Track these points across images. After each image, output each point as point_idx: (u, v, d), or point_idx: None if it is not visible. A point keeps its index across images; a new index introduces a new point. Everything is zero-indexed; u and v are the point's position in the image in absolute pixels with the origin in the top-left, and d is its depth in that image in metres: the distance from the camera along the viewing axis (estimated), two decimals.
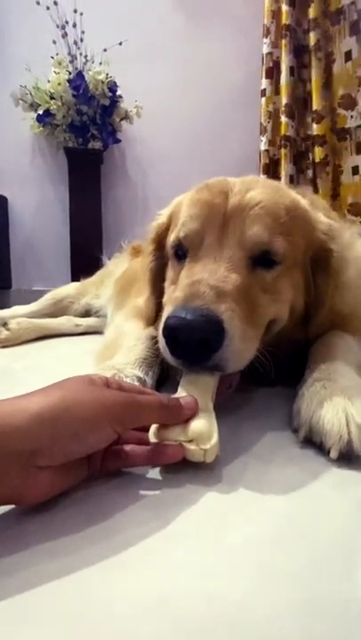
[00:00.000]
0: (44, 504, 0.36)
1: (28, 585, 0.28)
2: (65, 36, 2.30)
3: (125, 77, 2.35)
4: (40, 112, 2.29)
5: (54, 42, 2.29)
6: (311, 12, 2.12)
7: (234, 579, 0.29)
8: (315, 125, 2.17)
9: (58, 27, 2.29)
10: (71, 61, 2.31)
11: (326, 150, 2.19)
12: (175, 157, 2.60)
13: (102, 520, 0.35)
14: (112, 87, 2.29)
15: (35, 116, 2.33)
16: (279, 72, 2.26)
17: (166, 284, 0.66)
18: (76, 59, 2.32)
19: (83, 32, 2.30)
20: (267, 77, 2.33)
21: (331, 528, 0.35)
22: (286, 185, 0.73)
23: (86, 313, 1.41)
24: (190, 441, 0.41)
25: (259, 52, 2.39)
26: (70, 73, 2.28)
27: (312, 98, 2.18)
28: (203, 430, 0.42)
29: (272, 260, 0.57)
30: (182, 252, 0.60)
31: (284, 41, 2.21)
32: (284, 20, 2.19)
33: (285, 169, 2.22)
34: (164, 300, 0.66)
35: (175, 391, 0.48)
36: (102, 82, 2.24)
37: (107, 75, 2.26)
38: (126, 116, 2.40)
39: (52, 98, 2.25)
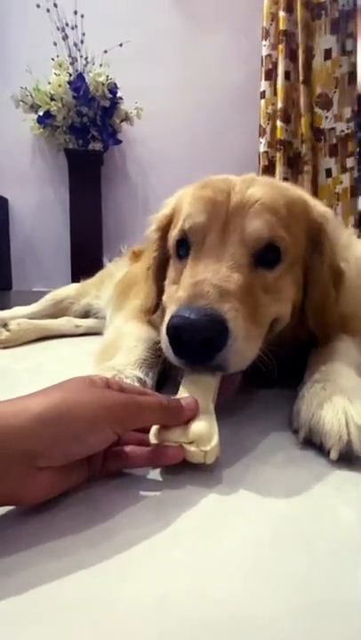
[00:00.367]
0: (44, 504, 0.36)
1: (28, 585, 0.28)
2: (65, 37, 2.31)
3: (126, 79, 2.35)
4: (40, 113, 2.30)
5: (55, 44, 2.29)
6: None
7: (234, 580, 0.29)
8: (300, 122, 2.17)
9: (58, 29, 2.30)
10: (72, 63, 2.32)
11: (307, 149, 2.19)
12: (175, 158, 2.61)
13: (103, 521, 0.35)
14: (112, 89, 2.30)
15: (35, 117, 2.33)
16: (277, 74, 2.27)
17: (167, 282, 0.66)
18: (76, 60, 2.33)
19: (83, 34, 2.31)
20: (266, 79, 2.34)
21: (331, 529, 0.35)
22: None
23: (86, 314, 1.41)
24: (191, 442, 0.41)
25: (258, 53, 2.40)
26: (71, 75, 2.28)
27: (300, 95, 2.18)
28: (203, 432, 0.42)
29: (274, 257, 0.57)
30: (184, 249, 0.60)
31: (280, 46, 2.22)
32: (281, 25, 2.20)
33: (280, 172, 2.23)
34: (165, 298, 0.66)
35: (176, 392, 0.48)
36: (103, 83, 2.25)
37: (107, 76, 2.27)
38: (126, 118, 2.41)
39: (52, 99, 2.26)
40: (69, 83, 2.25)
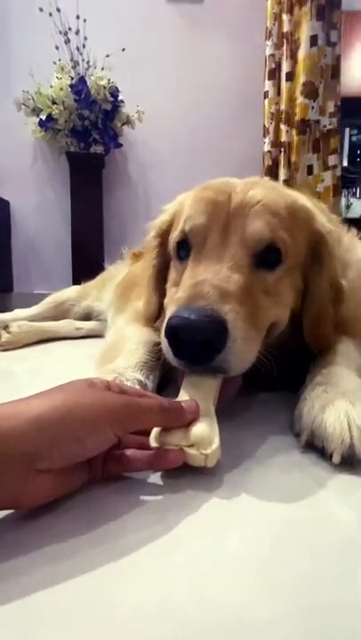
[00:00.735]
0: (45, 508, 0.35)
1: (28, 589, 0.28)
2: (68, 42, 2.33)
3: (127, 82, 2.37)
4: (42, 117, 2.31)
5: (57, 48, 2.31)
6: None
7: (235, 584, 0.29)
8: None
9: (61, 33, 2.31)
10: (73, 67, 2.34)
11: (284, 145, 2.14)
12: (177, 161, 2.62)
13: (103, 524, 0.35)
14: (114, 92, 2.31)
15: (37, 120, 2.35)
16: (281, 74, 2.26)
17: (168, 285, 0.66)
18: (78, 64, 2.35)
19: (85, 38, 2.33)
20: (269, 79, 2.33)
21: (332, 533, 0.35)
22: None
23: (87, 316, 1.41)
24: (191, 445, 0.41)
25: (259, 55, 2.42)
26: (72, 78, 2.30)
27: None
28: (204, 435, 0.41)
29: (274, 258, 0.57)
30: (185, 251, 0.60)
31: (283, 48, 2.22)
32: (285, 27, 2.20)
33: (283, 173, 2.21)
34: (166, 300, 0.66)
35: (177, 395, 0.48)
36: (104, 87, 2.26)
37: (108, 80, 2.28)
38: (128, 121, 2.42)
39: (54, 103, 2.28)
40: (71, 86, 2.26)
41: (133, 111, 2.40)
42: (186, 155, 2.64)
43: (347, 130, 2.70)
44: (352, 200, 2.74)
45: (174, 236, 0.63)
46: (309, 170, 2.13)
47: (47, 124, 2.32)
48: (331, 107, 2.11)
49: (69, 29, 2.32)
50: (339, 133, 2.15)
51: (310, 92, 2.09)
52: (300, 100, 2.10)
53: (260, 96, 2.42)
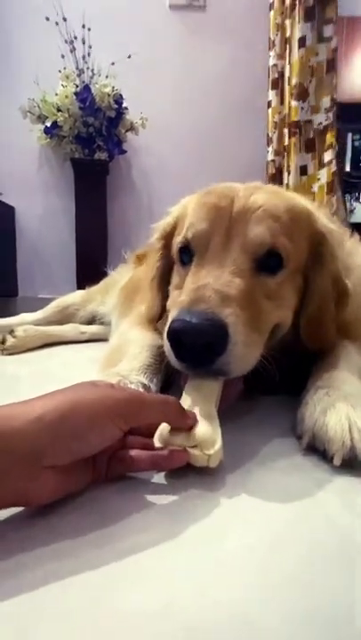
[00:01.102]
0: (49, 507, 0.36)
1: (33, 586, 0.28)
2: (73, 50, 2.36)
3: (131, 89, 2.40)
4: (47, 124, 2.34)
5: (62, 56, 2.35)
6: None
7: (236, 585, 0.29)
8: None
9: (66, 42, 2.35)
10: (78, 75, 2.37)
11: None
12: (180, 168, 2.64)
13: (107, 524, 0.35)
14: (118, 99, 2.34)
15: (42, 127, 2.38)
16: (284, 82, 2.27)
17: (171, 287, 0.67)
18: (83, 72, 2.38)
19: (90, 47, 2.36)
20: (273, 89, 2.34)
21: (332, 534, 0.35)
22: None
23: (92, 320, 1.42)
24: (195, 446, 0.42)
25: (262, 63, 2.44)
26: (77, 86, 2.33)
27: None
28: (207, 436, 0.42)
29: (276, 263, 0.57)
30: (188, 256, 0.61)
31: (285, 54, 2.24)
32: (287, 33, 2.22)
33: (286, 177, 2.21)
34: (169, 303, 0.67)
35: (180, 397, 0.48)
36: (108, 94, 2.29)
37: (113, 87, 2.31)
38: (132, 128, 2.45)
39: (59, 110, 2.31)
40: (76, 94, 2.29)
41: (137, 118, 2.43)
42: (189, 161, 2.66)
43: (349, 135, 2.71)
44: (355, 205, 2.74)
45: (177, 241, 0.64)
46: (303, 170, 2.08)
47: (52, 131, 2.35)
48: (327, 102, 2.05)
49: (75, 38, 2.35)
50: (335, 127, 2.07)
51: (300, 93, 2.06)
52: (292, 103, 2.09)
53: (263, 103, 2.44)
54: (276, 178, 2.31)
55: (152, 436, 0.44)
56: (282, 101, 2.31)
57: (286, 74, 2.23)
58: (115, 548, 0.33)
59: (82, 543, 0.33)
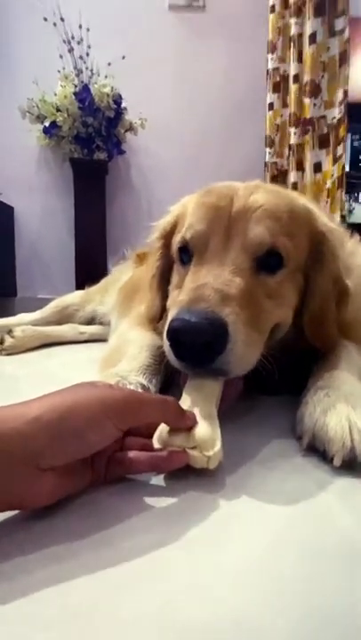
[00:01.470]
0: (48, 509, 0.36)
1: (32, 589, 0.28)
2: (71, 50, 2.36)
3: (130, 90, 2.39)
4: (46, 124, 2.34)
5: (61, 56, 2.34)
6: None
7: (236, 586, 0.29)
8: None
9: (65, 42, 2.35)
10: (77, 75, 2.37)
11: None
12: (179, 168, 2.64)
13: (106, 526, 0.35)
14: (117, 99, 2.34)
15: (41, 127, 2.37)
16: (287, 85, 2.25)
17: (171, 287, 0.67)
18: (81, 72, 2.38)
19: (89, 47, 2.36)
20: (274, 92, 2.33)
21: (332, 535, 0.35)
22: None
23: (91, 320, 1.41)
24: (194, 447, 0.41)
25: (261, 64, 2.43)
26: (76, 86, 2.33)
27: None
28: (206, 437, 0.42)
29: (276, 262, 0.57)
30: (187, 256, 0.61)
31: (289, 52, 2.22)
32: (292, 31, 2.20)
33: (293, 176, 2.19)
34: (169, 303, 0.66)
35: (179, 398, 0.48)
36: (107, 94, 2.29)
37: (112, 87, 2.31)
38: (131, 128, 2.45)
39: (58, 110, 2.30)
40: (75, 94, 2.29)
41: (136, 118, 2.43)
42: (188, 161, 2.66)
43: (349, 135, 2.71)
44: (354, 205, 2.74)
45: (177, 241, 0.64)
46: (317, 167, 2.06)
47: (51, 131, 2.35)
48: (340, 95, 2.02)
49: (73, 38, 2.35)
50: (346, 120, 2.05)
51: (312, 89, 2.04)
52: (305, 100, 2.06)
53: (261, 104, 2.44)
54: (279, 179, 2.30)
55: (151, 436, 0.43)
56: (284, 103, 2.29)
57: (292, 72, 2.20)
58: (114, 549, 0.32)
59: (80, 545, 0.33)
